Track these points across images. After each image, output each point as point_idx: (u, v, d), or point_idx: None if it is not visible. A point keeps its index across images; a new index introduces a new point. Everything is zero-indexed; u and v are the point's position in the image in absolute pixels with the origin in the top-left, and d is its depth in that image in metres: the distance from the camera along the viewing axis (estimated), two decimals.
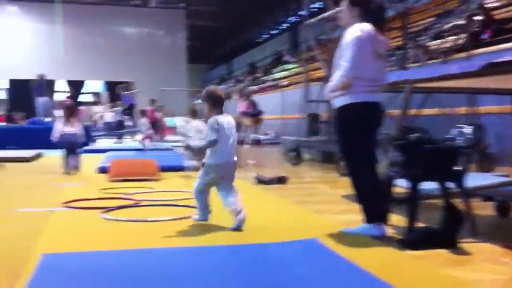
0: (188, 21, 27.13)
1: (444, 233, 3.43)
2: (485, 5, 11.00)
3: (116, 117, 18.96)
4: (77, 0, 25.21)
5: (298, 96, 12.44)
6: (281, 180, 6.87)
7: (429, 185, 3.72)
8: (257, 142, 15.98)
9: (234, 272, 2.81)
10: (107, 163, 7.71)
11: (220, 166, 3.96)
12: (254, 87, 24.10)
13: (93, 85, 26.62)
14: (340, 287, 2.59)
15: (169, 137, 16.80)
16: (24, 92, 17.88)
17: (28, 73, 19.04)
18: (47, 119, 14.74)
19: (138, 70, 24.78)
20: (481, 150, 7.37)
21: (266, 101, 18.98)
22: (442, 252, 3.28)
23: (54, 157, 8.90)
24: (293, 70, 22.36)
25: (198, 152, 4.61)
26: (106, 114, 20.02)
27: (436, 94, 6.91)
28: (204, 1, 25.60)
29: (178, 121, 18.48)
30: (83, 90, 26.54)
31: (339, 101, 3.72)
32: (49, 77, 17.02)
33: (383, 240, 3.54)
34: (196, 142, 4.42)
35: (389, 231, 3.74)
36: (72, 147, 7.79)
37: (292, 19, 26.80)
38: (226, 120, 4.01)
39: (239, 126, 13.82)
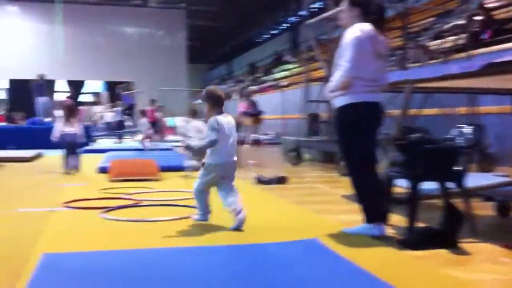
0: (188, 21, 27.13)
1: (444, 233, 3.43)
2: (485, 5, 10.99)
3: (116, 117, 18.97)
4: (77, 0, 25.23)
5: (298, 96, 12.45)
6: (281, 180, 6.87)
7: (429, 185, 3.72)
8: (257, 142, 15.98)
9: (234, 272, 2.81)
10: (107, 163, 7.71)
11: (220, 166, 3.96)
12: (254, 87, 24.10)
13: (93, 85, 26.63)
14: (341, 287, 2.59)
15: (169, 137, 16.80)
16: (24, 92, 17.87)
17: (28, 73, 19.02)
18: (47, 119, 14.74)
19: (138, 70, 24.80)
20: (481, 150, 7.37)
21: (266, 101, 18.98)
22: (442, 252, 3.28)
23: (54, 157, 8.90)
24: (293, 70, 22.36)
25: (198, 152, 4.61)
26: (106, 114, 20.03)
27: (436, 94, 6.90)
28: (204, 1, 25.61)
29: (178, 121, 18.49)
30: (83, 90, 26.54)
31: (339, 101, 3.72)
32: (49, 77, 17.02)
33: (383, 240, 3.54)
34: (196, 142, 4.43)
35: (389, 231, 3.74)
36: (72, 147, 7.80)
37: (292, 19, 26.80)
38: (226, 120, 4.01)
39: (239, 126, 13.82)
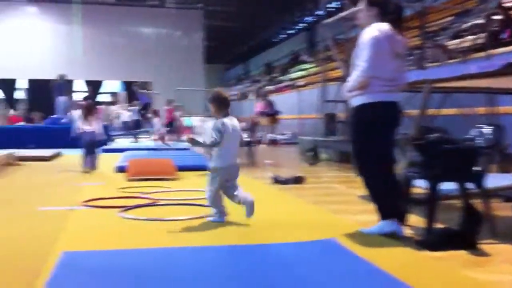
0: (205, 21, 27.19)
1: (463, 234, 3.40)
2: (504, 4, 10.86)
3: (133, 116, 19.08)
4: (95, 1, 25.42)
5: (315, 96, 12.42)
6: (298, 180, 6.85)
7: (448, 186, 3.70)
8: (274, 142, 15.97)
9: (252, 272, 2.81)
10: (125, 162, 7.76)
11: (225, 169, 4.07)
12: (271, 87, 24.09)
13: (111, 85, 26.83)
14: (359, 287, 2.59)
15: (185, 137, 16.86)
16: (43, 92, 18.05)
17: (47, 73, 19.23)
18: (64, 119, 14.87)
19: (155, 70, 24.90)
20: (500, 150, 7.27)
21: (283, 101, 18.97)
22: (461, 253, 3.25)
23: (73, 156, 8.98)
24: (310, 70, 22.31)
25: (201, 147, 4.76)
26: (123, 113, 20.16)
27: (455, 94, 6.85)
28: (221, 1, 25.65)
29: (195, 121, 18.57)
30: (101, 90, 26.73)
31: (357, 101, 3.72)
32: (67, 77, 17.17)
33: (401, 240, 3.52)
34: (201, 138, 4.49)
35: (408, 232, 3.72)
36: (91, 146, 7.86)
37: (309, 18, 26.72)
38: (232, 123, 4.10)
39: (256, 126, 13.85)
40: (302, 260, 3.04)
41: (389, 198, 3.69)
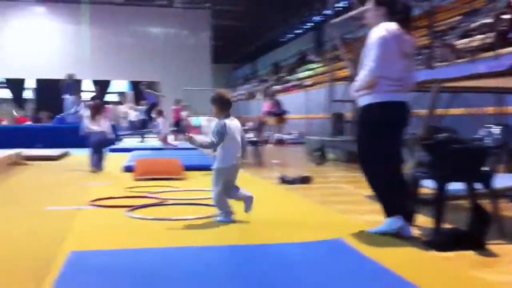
0: (213, 21, 27.21)
1: (471, 235, 3.38)
2: None
3: (139, 116, 19.12)
4: (103, 1, 25.48)
5: (323, 95, 12.41)
6: (305, 180, 6.84)
7: (455, 186, 3.68)
8: (281, 142, 15.97)
9: (259, 272, 2.80)
10: (132, 162, 7.78)
11: (228, 169, 4.11)
12: (278, 87, 24.08)
13: (119, 85, 26.91)
14: (366, 287, 2.58)
15: (186, 136, 16.85)
16: (51, 91, 18.11)
17: (55, 73, 19.30)
18: (72, 119, 14.93)
19: (163, 70, 24.93)
20: (509, 150, 7.24)
21: (290, 100, 18.96)
22: (469, 254, 3.24)
23: (80, 155, 9.01)
24: (317, 69, 22.28)
25: (199, 147, 4.84)
26: (130, 113, 20.20)
27: (463, 94, 6.82)
28: (229, 0, 25.66)
29: (202, 121, 18.58)
30: (109, 90, 26.81)
31: (364, 100, 3.71)
32: (76, 77, 17.24)
33: (408, 240, 3.51)
34: (200, 138, 4.53)
35: (415, 232, 3.71)
36: (99, 146, 7.89)
37: (317, 18, 26.66)
38: (233, 123, 4.14)
39: (263, 125, 13.85)
40: (309, 260, 3.03)
41: (394, 196, 3.68)
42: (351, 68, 9.83)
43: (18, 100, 24.84)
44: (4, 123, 18.02)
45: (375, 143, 3.70)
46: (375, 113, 3.66)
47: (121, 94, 25.69)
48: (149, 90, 18.61)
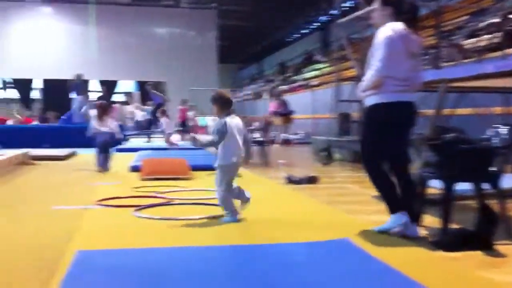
0: (219, 21, 27.23)
1: (479, 235, 3.37)
2: None
3: (146, 116, 19.16)
4: (110, 1, 25.56)
5: (329, 95, 12.39)
6: (311, 180, 6.84)
7: (463, 186, 3.67)
8: (287, 142, 15.96)
9: (265, 272, 2.80)
10: (139, 162, 7.80)
11: (230, 167, 4.14)
12: (285, 87, 24.07)
13: (126, 85, 26.98)
14: (373, 287, 2.57)
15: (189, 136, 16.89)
16: (58, 91, 18.15)
17: (62, 73, 19.37)
18: (79, 118, 14.98)
19: (169, 70, 24.97)
20: None
21: (297, 100, 18.95)
22: (477, 254, 3.23)
23: (87, 155, 9.04)
24: (323, 69, 22.26)
25: (202, 147, 4.91)
26: (137, 113, 20.25)
27: (470, 94, 6.80)
28: (235, 1, 25.67)
29: (209, 121, 18.60)
30: (116, 90, 26.88)
31: (371, 100, 3.71)
32: (84, 77, 17.29)
33: (415, 240, 3.50)
34: (203, 137, 4.57)
35: (423, 232, 3.70)
36: (106, 146, 7.91)
37: (323, 18, 26.64)
38: (234, 121, 4.18)
39: (269, 125, 13.85)
40: (314, 260, 3.03)
41: (395, 191, 3.68)
42: (357, 68, 9.81)
43: (25, 100, 24.95)
44: (10, 122, 18.09)
45: (381, 143, 3.69)
46: (381, 113, 3.66)
47: (127, 94, 25.73)
48: (154, 91, 18.67)
